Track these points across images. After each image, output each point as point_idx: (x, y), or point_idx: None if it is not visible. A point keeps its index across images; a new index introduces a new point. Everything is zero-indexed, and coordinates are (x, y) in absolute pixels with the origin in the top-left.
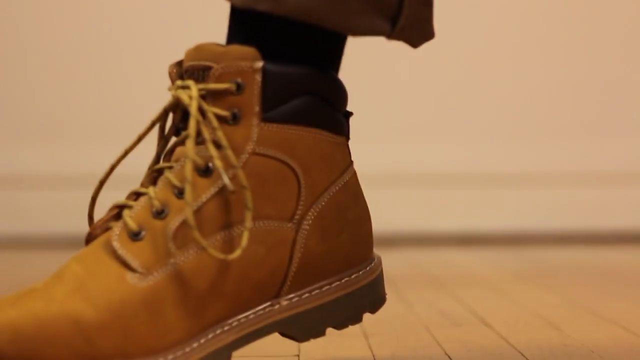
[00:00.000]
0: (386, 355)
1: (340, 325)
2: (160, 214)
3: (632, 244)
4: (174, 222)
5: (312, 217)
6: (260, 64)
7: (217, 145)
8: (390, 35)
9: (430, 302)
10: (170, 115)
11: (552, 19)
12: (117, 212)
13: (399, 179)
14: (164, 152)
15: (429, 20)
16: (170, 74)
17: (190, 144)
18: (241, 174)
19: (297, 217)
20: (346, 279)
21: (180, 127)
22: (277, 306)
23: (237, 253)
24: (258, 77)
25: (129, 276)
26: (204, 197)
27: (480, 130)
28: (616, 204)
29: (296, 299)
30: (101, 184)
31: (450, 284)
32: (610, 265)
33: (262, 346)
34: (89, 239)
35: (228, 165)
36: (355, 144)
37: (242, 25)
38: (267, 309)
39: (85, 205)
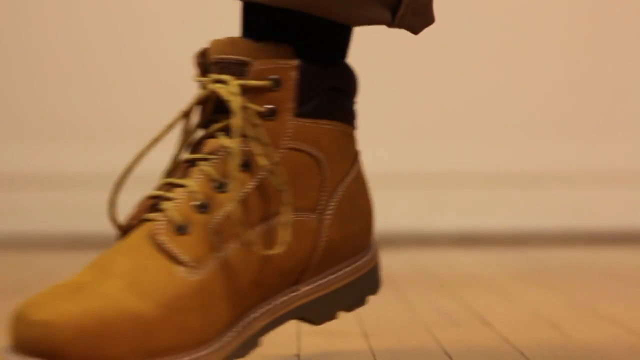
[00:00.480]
0: (386, 355)
1: (349, 309)
2: (203, 207)
3: (632, 244)
4: (217, 217)
5: (333, 207)
6: (297, 61)
7: (258, 141)
8: (391, 24)
9: (430, 302)
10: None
11: (552, 19)
12: (152, 203)
13: (399, 179)
14: (186, 143)
15: (429, 5)
16: (198, 65)
17: (235, 141)
18: (281, 171)
19: (320, 207)
20: (354, 264)
21: (210, 119)
22: (298, 292)
23: (280, 249)
24: (294, 74)
25: (179, 270)
26: (245, 192)
27: (480, 130)
28: (616, 204)
29: (314, 285)
30: (127, 171)
31: (450, 284)
32: (610, 265)
33: (262, 346)
34: (126, 229)
35: (269, 162)
36: None
37: (254, 20)
38: (289, 295)
39: (87, 205)
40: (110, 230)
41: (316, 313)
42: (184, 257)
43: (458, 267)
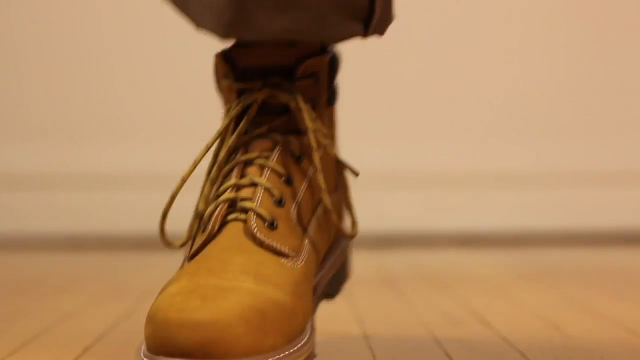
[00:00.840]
0: (386, 355)
1: (344, 282)
2: (280, 202)
3: (632, 244)
4: (293, 209)
5: (337, 185)
6: (330, 55)
7: (321, 133)
8: (365, 35)
9: (430, 302)
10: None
11: (552, 19)
12: (228, 205)
13: (399, 179)
14: (227, 145)
15: (391, 6)
16: (229, 72)
17: (312, 136)
18: (341, 157)
19: (335, 186)
20: (344, 243)
21: (255, 121)
22: (322, 271)
23: (358, 228)
24: (327, 68)
25: (285, 261)
26: (306, 182)
27: (480, 130)
28: (616, 204)
29: (330, 262)
30: (182, 182)
31: (450, 284)
32: (610, 265)
33: None
34: (212, 234)
35: (334, 150)
36: (355, 144)
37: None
38: (319, 274)
39: (87, 205)
40: (109, 230)
41: (333, 288)
42: (284, 249)
43: (458, 267)
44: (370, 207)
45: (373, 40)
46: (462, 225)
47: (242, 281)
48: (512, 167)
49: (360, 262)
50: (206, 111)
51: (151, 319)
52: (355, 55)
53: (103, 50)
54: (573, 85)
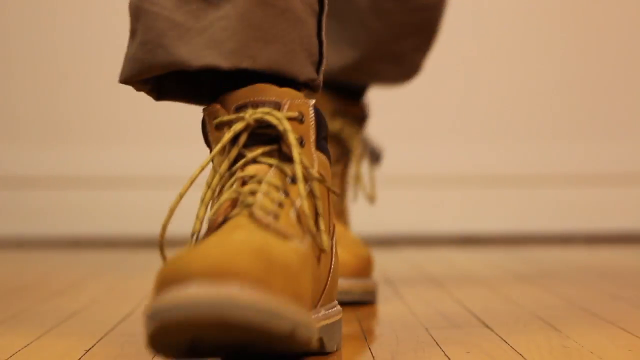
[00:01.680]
0: (386, 355)
1: (339, 343)
2: (280, 205)
3: (632, 244)
4: (291, 214)
5: (333, 229)
6: (313, 100)
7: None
8: (316, 79)
9: (429, 302)
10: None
11: (552, 20)
12: (230, 204)
13: (399, 179)
14: (220, 174)
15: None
16: (221, 109)
17: (296, 152)
18: (317, 185)
19: (330, 233)
20: (336, 307)
21: (246, 144)
22: (319, 314)
23: (328, 247)
24: (311, 111)
25: (290, 242)
26: (299, 200)
27: (480, 130)
28: (616, 204)
29: (324, 311)
30: (180, 196)
31: (449, 284)
32: (610, 265)
33: None
34: (215, 225)
35: (316, 175)
36: None
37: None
38: (315, 316)
39: (87, 206)
40: (110, 231)
41: (329, 337)
42: (289, 232)
43: (457, 268)
44: (370, 207)
45: None
46: (461, 226)
47: (255, 235)
48: (511, 167)
49: None
50: None
51: (159, 272)
52: None
53: (105, 52)
54: (573, 87)
